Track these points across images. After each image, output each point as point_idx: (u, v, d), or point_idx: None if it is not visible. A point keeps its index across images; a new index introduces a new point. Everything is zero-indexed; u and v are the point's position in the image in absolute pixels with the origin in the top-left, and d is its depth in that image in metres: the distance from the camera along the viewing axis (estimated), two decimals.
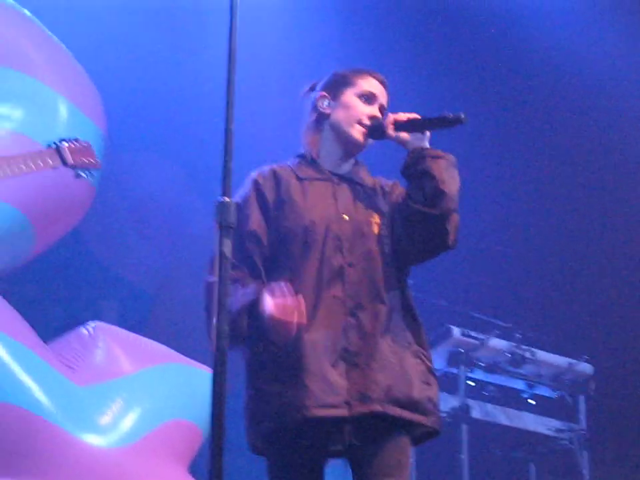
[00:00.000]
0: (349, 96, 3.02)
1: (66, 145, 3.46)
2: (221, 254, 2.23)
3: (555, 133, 6.99)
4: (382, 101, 3.05)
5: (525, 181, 7.06)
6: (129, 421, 4.23)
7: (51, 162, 3.40)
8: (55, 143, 3.48)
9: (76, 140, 3.51)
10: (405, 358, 2.82)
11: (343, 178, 3.01)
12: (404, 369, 2.80)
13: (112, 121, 4.94)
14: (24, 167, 3.32)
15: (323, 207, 2.90)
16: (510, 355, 5.87)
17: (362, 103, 3.01)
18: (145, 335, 4.79)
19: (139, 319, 6.22)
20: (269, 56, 6.10)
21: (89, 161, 3.49)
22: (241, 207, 2.82)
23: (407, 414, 2.77)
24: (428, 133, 2.94)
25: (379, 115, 3.01)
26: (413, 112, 2.97)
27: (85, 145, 3.53)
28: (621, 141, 6.77)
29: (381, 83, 3.07)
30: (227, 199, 2.27)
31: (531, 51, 6.72)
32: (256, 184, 2.95)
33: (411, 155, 2.92)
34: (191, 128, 5.89)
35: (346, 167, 3.04)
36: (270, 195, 2.93)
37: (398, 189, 3.04)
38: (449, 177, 2.87)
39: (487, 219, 6.85)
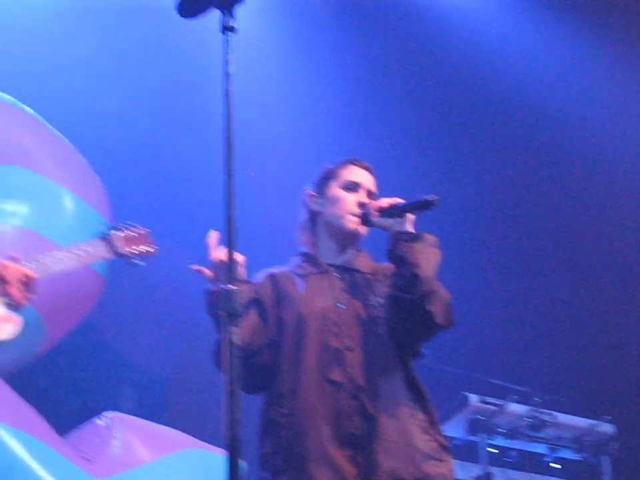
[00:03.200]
0: (334, 189, 3.08)
1: (121, 234, 3.20)
2: (225, 340, 2.22)
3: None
4: (368, 187, 3.07)
5: (530, 245, 7.06)
6: None
7: (104, 254, 3.20)
8: (104, 233, 3.25)
9: (132, 227, 3.27)
10: (412, 435, 2.79)
11: (340, 268, 3.03)
12: (412, 447, 2.77)
13: (118, 209, 4.97)
14: (77, 261, 3.13)
15: (320, 298, 2.92)
16: (530, 419, 5.79)
17: (347, 193, 3.04)
18: (162, 420, 4.74)
19: (155, 404, 6.18)
20: None
21: (146, 249, 3.29)
22: None
23: None
24: (411, 216, 2.92)
25: (366, 200, 3.02)
26: (396, 196, 2.95)
27: (143, 232, 3.31)
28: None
29: (365, 169, 3.10)
30: (232, 287, 2.26)
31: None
32: (253, 288, 2.97)
33: (390, 240, 2.93)
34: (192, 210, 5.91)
35: (345, 257, 3.07)
36: (267, 296, 2.97)
37: None
38: (423, 260, 2.86)
39: (498, 285, 6.84)
